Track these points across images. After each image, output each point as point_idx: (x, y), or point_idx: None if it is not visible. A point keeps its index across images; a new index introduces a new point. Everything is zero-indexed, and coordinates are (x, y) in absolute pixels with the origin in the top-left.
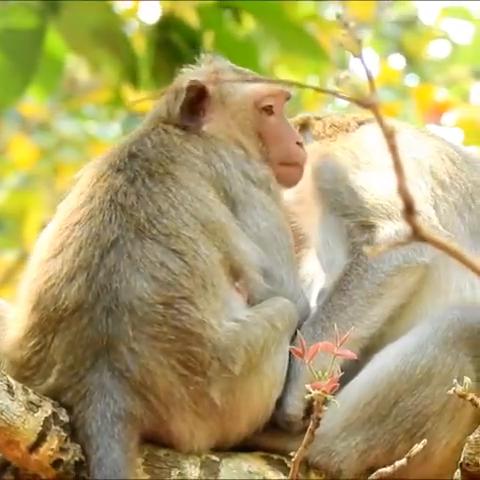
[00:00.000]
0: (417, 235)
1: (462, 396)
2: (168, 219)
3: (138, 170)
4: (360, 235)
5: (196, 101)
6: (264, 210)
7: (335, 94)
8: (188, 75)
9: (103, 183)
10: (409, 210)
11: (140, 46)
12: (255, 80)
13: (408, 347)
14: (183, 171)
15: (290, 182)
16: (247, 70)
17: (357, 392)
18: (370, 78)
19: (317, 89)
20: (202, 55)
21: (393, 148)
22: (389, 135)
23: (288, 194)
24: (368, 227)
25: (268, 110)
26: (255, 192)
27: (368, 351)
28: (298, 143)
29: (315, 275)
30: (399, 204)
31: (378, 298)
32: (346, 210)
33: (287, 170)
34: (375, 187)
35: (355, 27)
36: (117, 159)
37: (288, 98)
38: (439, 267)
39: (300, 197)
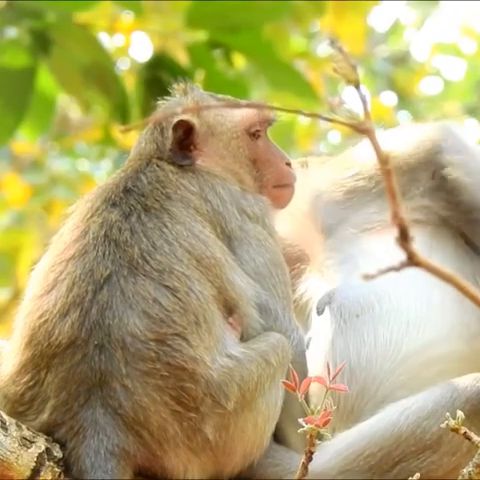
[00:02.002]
0: (412, 261)
1: (455, 430)
2: (161, 255)
3: (134, 205)
4: None
5: (184, 137)
6: (260, 246)
7: (330, 120)
8: (169, 109)
9: (98, 218)
10: (404, 236)
11: (131, 84)
12: (247, 105)
13: (423, 410)
14: (179, 207)
15: (284, 203)
16: (228, 97)
17: (364, 440)
18: (364, 103)
19: (312, 115)
20: (176, 85)
21: (388, 174)
22: (384, 161)
23: (282, 214)
24: None
25: (256, 135)
26: (251, 228)
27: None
28: (287, 163)
29: (314, 291)
30: None
31: None
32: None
33: (281, 192)
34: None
35: (349, 54)
36: (112, 194)
37: (271, 123)
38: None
39: (295, 219)
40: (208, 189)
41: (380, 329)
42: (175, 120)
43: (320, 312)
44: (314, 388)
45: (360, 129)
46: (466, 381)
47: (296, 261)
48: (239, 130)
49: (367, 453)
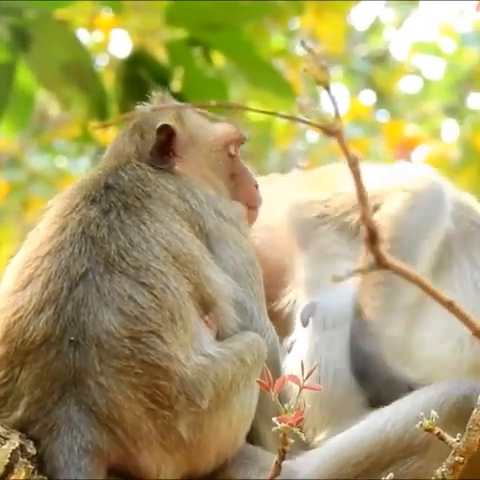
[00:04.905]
0: (380, 264)
1: (429, 430)
2: (138, 252)
3: (114, 202)
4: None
5: (165, 143)
6: (237, 245)
7: (300, 120)
8: (152, 115)
9: (76, 214)
10: (372, 238)
11: (110, 80)
12: (223, 105)
13: (410, 415)
14: (158, 206)
15: (250, 224)
16: (207, 112)
17: (351, 448)
18: (335, 106)
19: (283, 116)
20: (154, 93)
21: (357, 175)
22: (353, 163)
23: (262, 230)
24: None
25: (231, 154)
26: (227, 228)
27: None
28: (255, 186)
29: (296, 302)
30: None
31: (412, 263)
32: (333, 215)
33: (249, 213)
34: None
35: (321, 54)
36: (92, 190)
37: (243, 142)
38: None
39: (275, 231)
40: (186, 190)
41: None
42: (160, 123)
43: (305, 323)
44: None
45: (330, 131)
46: (452, 385)
47: (278, 274)
48: (219, 144)
49: (355, 461)
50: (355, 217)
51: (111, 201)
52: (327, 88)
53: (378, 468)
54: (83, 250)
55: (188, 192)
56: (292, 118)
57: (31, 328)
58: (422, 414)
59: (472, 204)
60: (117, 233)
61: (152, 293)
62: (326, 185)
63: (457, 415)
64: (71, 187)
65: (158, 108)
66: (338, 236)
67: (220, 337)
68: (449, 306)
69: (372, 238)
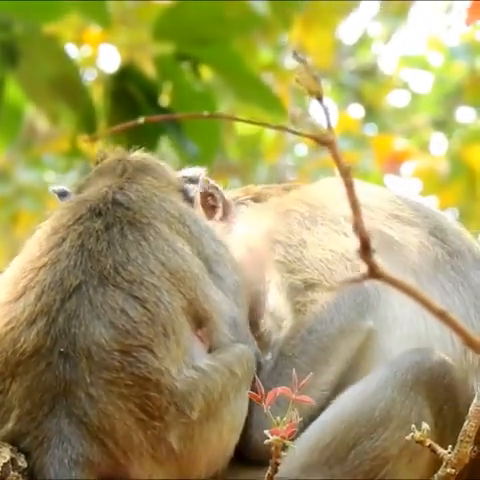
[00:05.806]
0: (373, 274)
1: (420, 442)
2: (134, 266)
3: (120, 217)
4: (303, 294)
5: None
6: (233, 267)
7: (292, 131)
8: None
9: (78, 226)
10: (365, 248)
11: (98, 94)
12: (213, 116)
13: (367, 390)
14: (163, 226)
15: None
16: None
17: (316, 434)
18: (327, 116)
19: (276, 127)
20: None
21: (349, 185)
22: (345, 173)
23: (242, 252)
24: (311, 285)
25: None
26: (224, 252)
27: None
28: None
29: (270, 329)
30: (347, 262)
31: (324, 365)
32: (293, 265)
33: None
34: (326, 243)
35: (312, 65)
36: (99, 203)
37: None
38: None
39: (252, 255)
40: (187, 216)
41: None
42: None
43: None
44: None
45: (322, 141)
46: (402, 356)
47: (255, 296)
48: None
49: (321, 445)
50: (300, 277)
51: (117, 216)
52: (320, 99)
53: (345, 448)
54: (79, 263)
55: (189, 219)
56: (283, 129)
57: (22, 339)
58: (413, 426)
59: (449, 231)
60: (116, 248)
61: (144, 307)
62: (303, 225)
63: (412, 381)
64: (74, 199)
65: (147, 120)
66: (280, 292)
67: (211, 351)
68: (442, 316)
69: (364, 247)
